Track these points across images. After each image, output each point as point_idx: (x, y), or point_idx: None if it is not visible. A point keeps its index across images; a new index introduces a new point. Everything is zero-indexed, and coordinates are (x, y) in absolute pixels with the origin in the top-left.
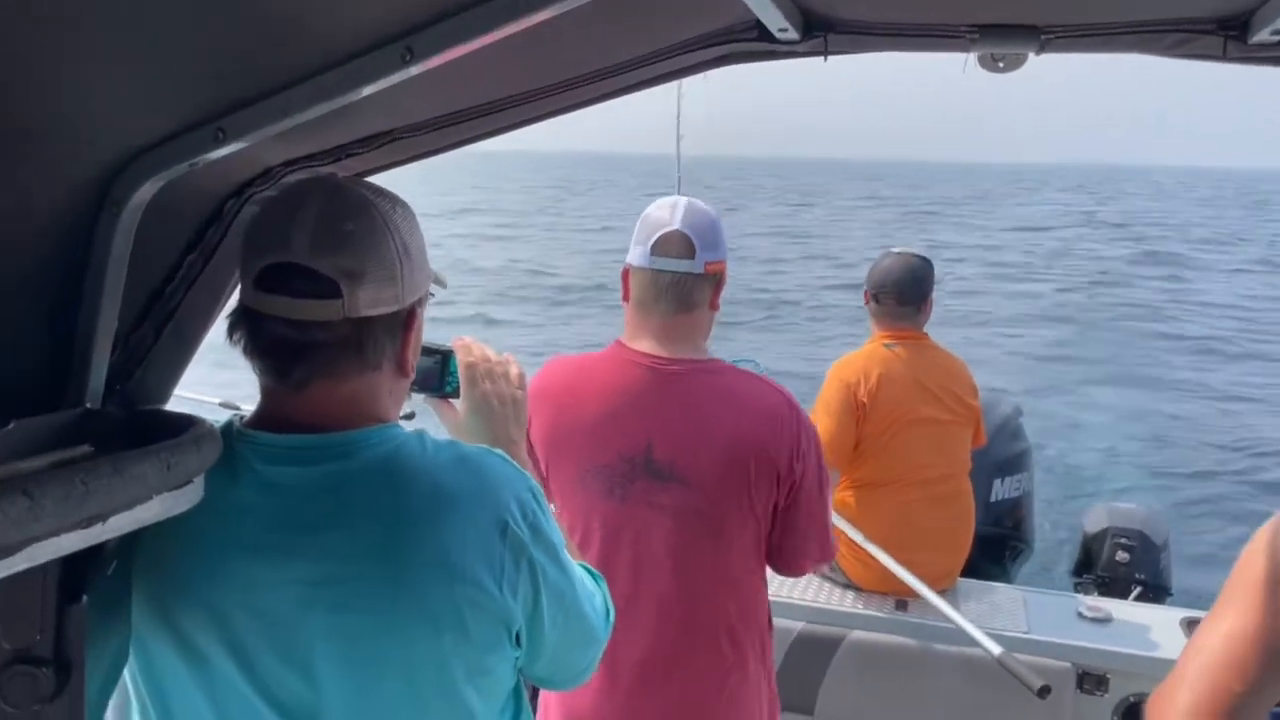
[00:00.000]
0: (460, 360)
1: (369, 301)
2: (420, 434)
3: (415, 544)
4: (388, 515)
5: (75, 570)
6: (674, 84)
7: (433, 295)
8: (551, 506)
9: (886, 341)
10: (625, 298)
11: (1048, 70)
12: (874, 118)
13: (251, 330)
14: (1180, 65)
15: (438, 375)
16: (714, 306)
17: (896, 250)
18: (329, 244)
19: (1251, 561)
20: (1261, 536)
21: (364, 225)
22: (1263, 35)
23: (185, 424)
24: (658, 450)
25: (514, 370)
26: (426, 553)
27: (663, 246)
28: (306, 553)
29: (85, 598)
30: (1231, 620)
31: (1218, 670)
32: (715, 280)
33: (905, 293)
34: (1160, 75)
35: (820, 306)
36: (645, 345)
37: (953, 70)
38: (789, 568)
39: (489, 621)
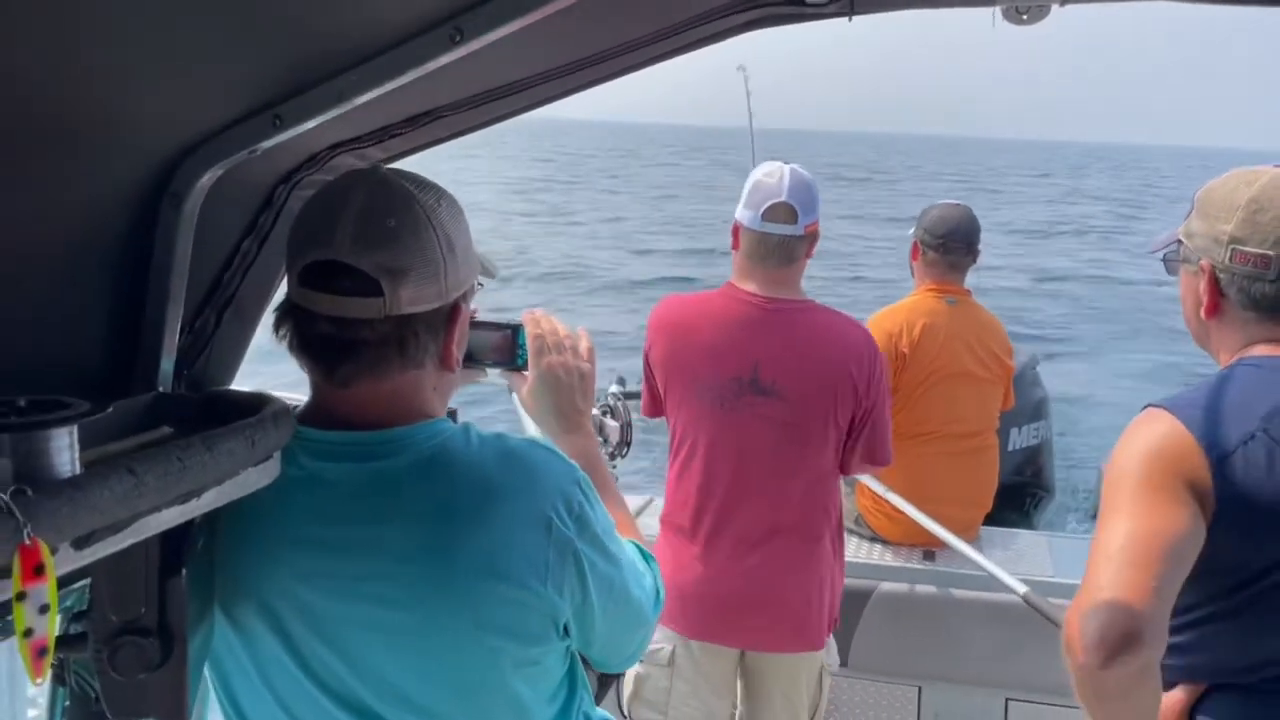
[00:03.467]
0: (529, 333)
1: (410, 299)
2: (466, 427)
3: (460, 543)
4: (433, 513)
5: (173, 545)
6: (740, 70)
7: (480, 285)
8: (666, 419)
9: (944, 295)
10: (735, 247)
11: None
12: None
13: (297, 327)
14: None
15: (509, 349)
16: (809, 256)
17: (949, 201)
18: (371, 241)
19: (1123, 466)
20: (1129, 438)
21: (407, 221)
22: None
23: (256, 403)
24: (763, 372)
25: (584, 344)
26: (471, 552)
27: (771, 214)
28: (352, 548)
29: (184, 571)
30: (1124, 524)
31: (1126, 571)
32: (812, 238)
33: (964, 244)
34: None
35: None
36: (752, 288)
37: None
38: (849, 470)
39: (534, 618)
